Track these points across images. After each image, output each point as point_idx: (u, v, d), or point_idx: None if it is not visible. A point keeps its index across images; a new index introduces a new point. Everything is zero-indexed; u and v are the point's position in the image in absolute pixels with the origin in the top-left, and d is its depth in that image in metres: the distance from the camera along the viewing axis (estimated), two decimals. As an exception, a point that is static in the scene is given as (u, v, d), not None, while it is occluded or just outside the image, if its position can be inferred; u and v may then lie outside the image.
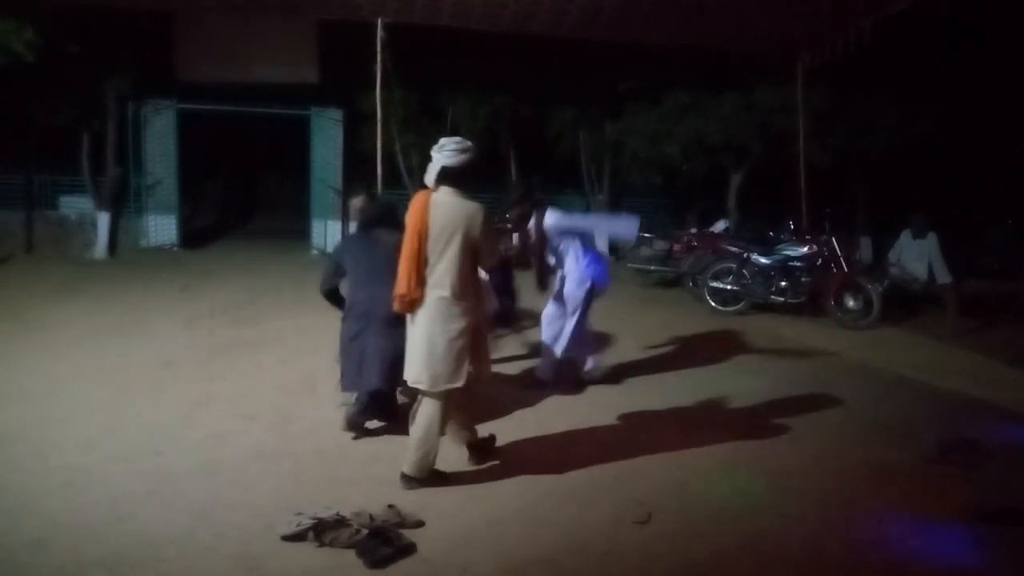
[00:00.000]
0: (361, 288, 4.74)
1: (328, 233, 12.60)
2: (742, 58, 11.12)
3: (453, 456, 4.51)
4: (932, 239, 9.42)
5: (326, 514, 3.59)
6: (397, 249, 4.36)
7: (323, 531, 3.48)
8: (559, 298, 5.88)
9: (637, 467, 4.52)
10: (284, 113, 12.92)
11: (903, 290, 9.48)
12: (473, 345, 4.06)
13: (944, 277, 9.23)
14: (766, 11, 8.79)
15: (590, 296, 5.87)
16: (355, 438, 4.77)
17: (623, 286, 10.47)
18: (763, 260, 9.29)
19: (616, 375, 6.30)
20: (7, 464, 4.23)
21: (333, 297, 5.16)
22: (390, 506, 3.75)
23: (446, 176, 4.02)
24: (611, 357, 6.89)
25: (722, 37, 9.81)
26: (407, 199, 13.72)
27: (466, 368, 4.01)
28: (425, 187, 4.10)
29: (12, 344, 6.63)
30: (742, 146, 12.20)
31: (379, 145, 9.10)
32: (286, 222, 14.58)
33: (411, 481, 4.08)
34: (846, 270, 9.06)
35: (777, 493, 4.29)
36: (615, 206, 14.01)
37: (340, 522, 3.55)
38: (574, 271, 5.82)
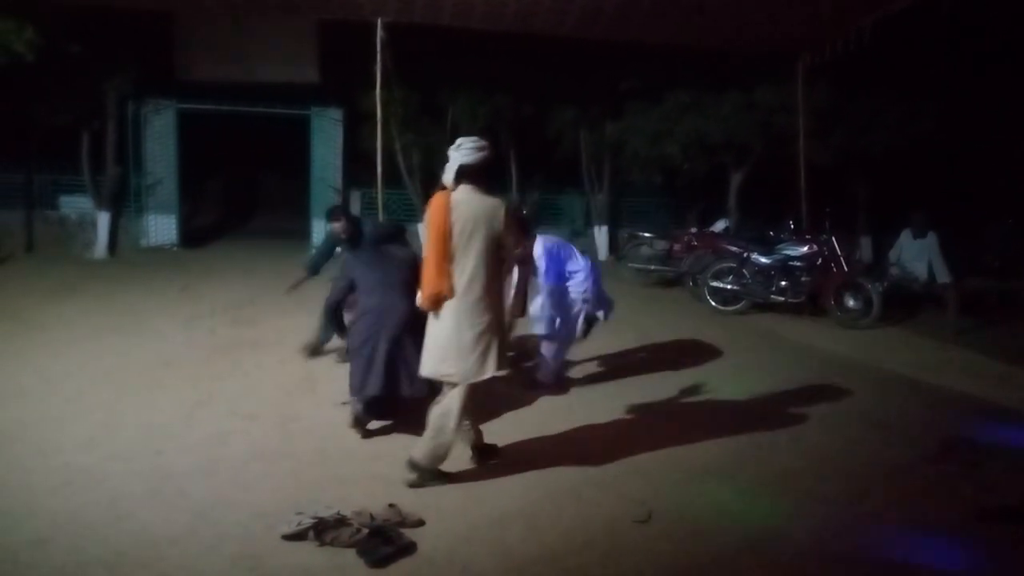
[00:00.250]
0: (374, 295, 4.79)
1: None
2: (743, 57, 11.11)
3: (455, 455, 4.51)
4: (932, 238, 9.41)
5: (327, 513, 3.59)
6: (409, 262, 4.75)
7: (324, 530, 3.49)
8: (557, 302, 5.86)
9: (637, 466, 4.52)
10: (284, 113, 12.91)
11: (903, 289, 9.48)
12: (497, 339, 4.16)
13: (944, 276, 9.22)
14: (767, 10, 8.78)
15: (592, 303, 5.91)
16: (363, 437, 4.78)
17: (623, 285, 10.45)
18: (763, 260, 9.28)
19: (613, 374, 6.30)
20: (7, 463, 4.23)
21: (335, 313, 5.21)
22: (391, 505, 3.75)
23: (464, 174, 4.10)
24: (613, 356, 6.91)
25: (723, 36, 9.80)
26: (407, 199, 13.70)
27: (493, 361, 4.08)
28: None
29: (12, 343, 6.63)
30: (743, 145, 12.19)
31: (379, 145, 9.09)
32: (286, 222, 14.55)
33: (416, 467, 4.11)
34: (846, 270, 9.06)
35: (777, 492, 4.30)
36: (615, 205, 14.02)
37: (341, 521, 3.55)
38: (575, 279, 5.83)
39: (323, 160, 12.97)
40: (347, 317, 5.37)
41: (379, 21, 8.88)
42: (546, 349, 5.92)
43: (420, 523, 3.68)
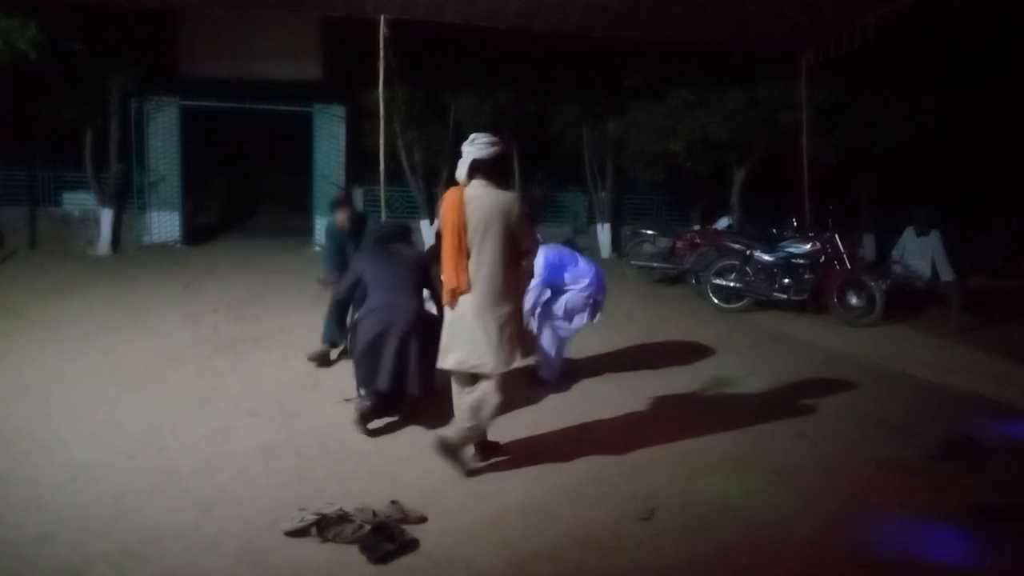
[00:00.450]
0: (384, 293, 4.80)
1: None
2: (746, 54, 11.09)
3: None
4: (935, 236, 9.40)
5: (329, 510, 3.60)
6: (416, 261, 4.92)
7: (326, 527, 3.49)
8: (558, 299, 5.86)
9: (640, 463, 4.52)
10: (287, 110, 12.90)
11: (907, 287, 9.46)
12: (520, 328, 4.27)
13: (948, 274, 9.20)
14: (770, 7, 8.78)
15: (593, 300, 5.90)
16: (367, 434, 4.77)
17: (626, 283, 10.47)
18: (766, 257, 9.27)
19: (616, 371, 6.30)
20: (12, 459, 4.24)
21: (341, 309, 5.22)
22: (393, 502, 3.76)
23: (478, 168, 4.17)
24: (615, 353, 6.91)
25: (726, 33, 9.79)
26: (410, 196, 13.69)
27: (520, 350, 4.17)
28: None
29: (16, 340, 6.64)
30: (746, 143, 12.18)
31: (382, 142, 9.10)
32: (289, 219, 14.57)
33: (445, 442, 4.19)
34: (849, 267, 9.04)
35: (780, 490, 4.30)
36: (618, 203, 14.01)
37: (343, 518, 3.56)
38: (574, 283, 5.82)
39: (326, 157, 12.97)
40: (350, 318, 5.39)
41: (382, 18, 8.89)
42: (547, 345, 5.92)
43: (422, 520, 3.69)
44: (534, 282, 5.60)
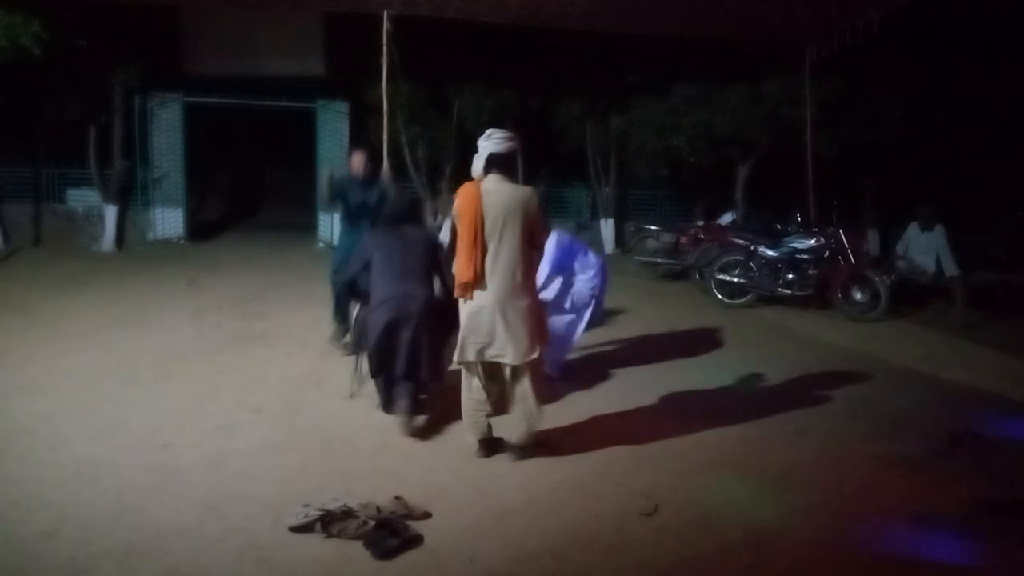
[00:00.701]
0: (396, 283, 4.71)
1: (334, 226, 12.60)
2: (750, 50, 11.07)
3: (458, 448, 4.53)
4: (940, 231, 9.37)
5: (333, 505, 3.60)
6: (426, 245, 4.85)
7: (330, 522, 3.50)
8: (563, 296, 5.85)
9: (643, 460, 4.52)
10: (290, 106, 12.91)
11: (911, 283, 9.44)
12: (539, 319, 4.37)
13: (952, 269, 9.18)
14: (774, 3, 8.75)
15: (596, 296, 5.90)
16: (398, 418, 4.77)
17: (629, 279, 10.46)
18: (770, 253, 9.26)
19: (619, 367, 6.30)
20: (17, 456, 4.26)
21: (351, 288, 5.15)
22: (397, 497, 3.76)
23: (494, 163, 4.24)
24: (618, 349, 6.91)
25: (729, 28, 9.76)
26: (413, 191, 13.71)
27: (539, 340, 4.27)
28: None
29: (20, 337, 6.66)
30: (749, 138, 12.16)
31: (385, 138, 9.10)
32: (292, 215, 14.59)
33: (521, 447, 4.40)
34: (853, 263, 9.02)
35: (783, 486, 4.29)
36: (622, 198, 13.99)
37: (347, 513, 3.56)
38: (581, 273, 5.83)
39: (329, 153, 12.96)
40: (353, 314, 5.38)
41: (385, 14, 8.88)
42: (553, 340, 5.91)
43: (426, 515, 3.69)
44: (544, 265, 5.61)
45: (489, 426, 4.48)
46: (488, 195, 4.17)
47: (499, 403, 4.43)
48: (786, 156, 11.53)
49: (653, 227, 11.42)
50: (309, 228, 13.29)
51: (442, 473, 4.23)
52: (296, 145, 13.83)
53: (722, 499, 4.09)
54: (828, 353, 7.33)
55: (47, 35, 9.24)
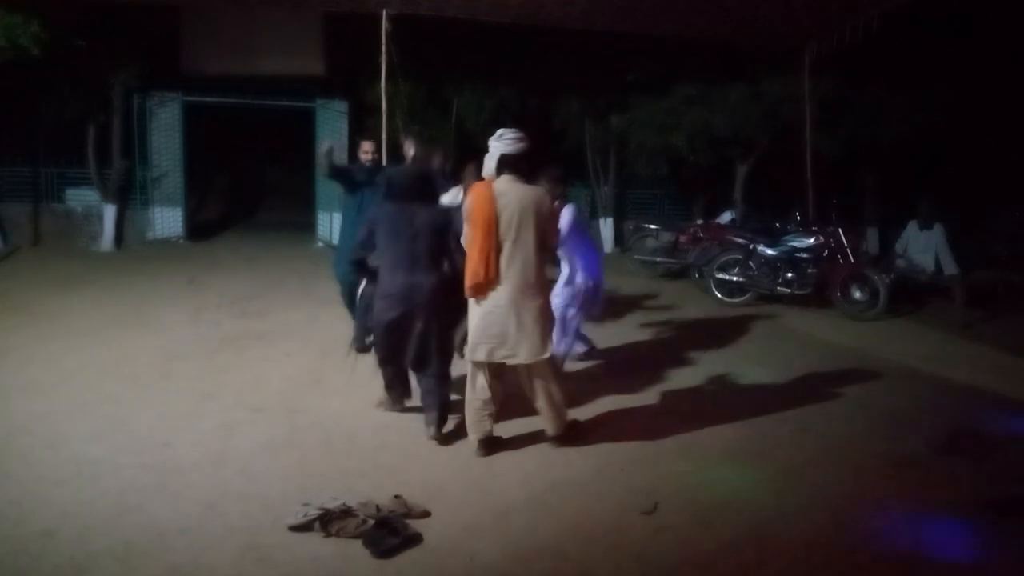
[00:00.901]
0: (399, 274, 4.53)
1: (334, 225, 12.60)
2: (749, 48, 11.06)
3: (460, 446, 4.53)
4: (939, 230, 9.36)
5: (333, 504, 3.60)
6: (436, 226, 4.57)
7: (330, 521, 3.50)
8: (567, 289, 5.86)
9: (643, 458, 4.52)
10: (289, 105, 12.91)
11: (910, 281, 9.43)
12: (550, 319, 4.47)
13: (951, 268, 9.17)
14: (773, 2, 8.75)
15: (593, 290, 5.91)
16: (399, 410, 4.94)
17: (629, 278, 10.47)
18: (769, 251, 9.25)
19: (620, 366, 6.30)
20: (16, 455, 4.25)
21: (361, 266, 4.91)
22: (397, 496, 3.76)
23: (506, 164, 4.26)
24: (617, 348, 6.91)
25: (729, 27, 9.76)
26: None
27: (549, 340, 4.32)
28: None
29: (19, 336, 6.66)
30: (749, 137, 12.15)
31: (384, 137, 9.09)
32: (292, 214, 14.58)
33: (558, 438, 4.51)
34: (853, 261, 9.02)
35: (784, 484, 4.29)
36: (621, 197, 13.99)
37: (347, 512, 3.57)
38: (583, 265, 5.83)
39: (328, 152, 12.96)
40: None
41: (384, 13, 8.87)
42: (555, 338, 5.91)
43: (426, 514, 3.69)
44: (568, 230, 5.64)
45: (492, 426, 4.48)
46: (502, 196, 4.19)
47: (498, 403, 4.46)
48: (785, 155, 11.53)
49: (652, 226, 11.42)
50: (308, 227, 13.29)
51: (442, 472, 4.23)
52: (295, 145, 13.82)
53: (722, 496, 4.09)
54: (827, 352, 7.33)
55: (46, 35, 9.24)
